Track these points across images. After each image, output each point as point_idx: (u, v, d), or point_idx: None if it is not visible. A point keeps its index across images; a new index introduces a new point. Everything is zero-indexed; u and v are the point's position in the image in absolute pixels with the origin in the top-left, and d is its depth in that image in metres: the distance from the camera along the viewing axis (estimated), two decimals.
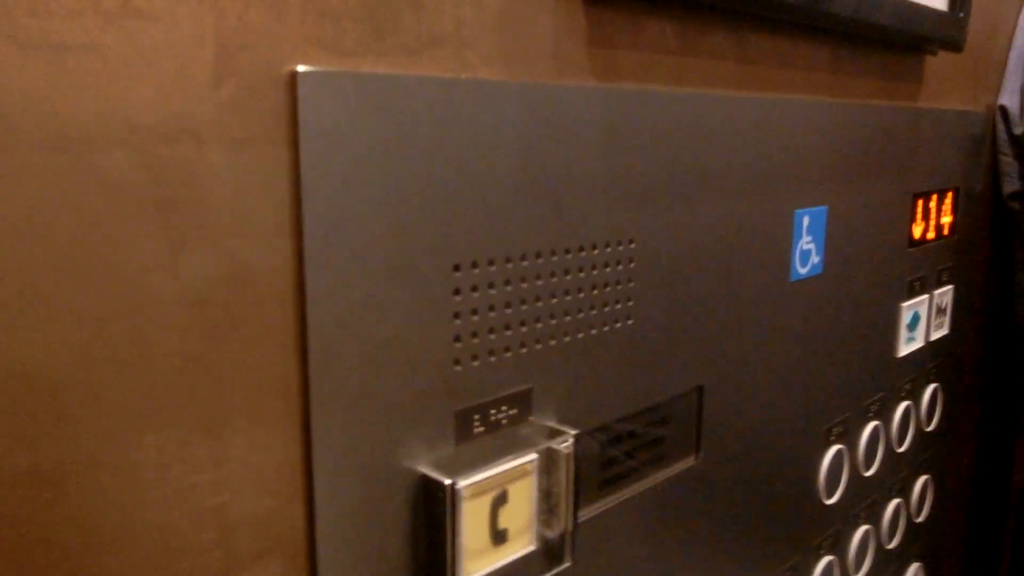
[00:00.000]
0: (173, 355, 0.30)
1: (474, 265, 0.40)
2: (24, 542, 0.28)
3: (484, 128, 0.39)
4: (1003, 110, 0.93)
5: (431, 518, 0.40)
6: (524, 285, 0.43)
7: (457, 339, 0.40)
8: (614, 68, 0.46)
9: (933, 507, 0.96)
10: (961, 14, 0.71)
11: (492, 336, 0.42)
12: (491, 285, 0.41)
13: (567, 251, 0.44)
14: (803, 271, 0.64)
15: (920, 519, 0.94)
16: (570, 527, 0.46)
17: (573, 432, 0.45)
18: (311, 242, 0.33)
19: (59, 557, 0.29)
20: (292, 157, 0.33)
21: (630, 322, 0.49)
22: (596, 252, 0.46)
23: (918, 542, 0.95)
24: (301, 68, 0.32)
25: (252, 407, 0.33)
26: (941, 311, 0.88)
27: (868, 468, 0.80)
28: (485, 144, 0.39)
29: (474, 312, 0.40)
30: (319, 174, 0.33)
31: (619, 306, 0.48)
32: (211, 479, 0.32)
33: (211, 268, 0.31)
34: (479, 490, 0.41)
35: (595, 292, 0.47)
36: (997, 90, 0.93)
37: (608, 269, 0.47)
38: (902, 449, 0.86)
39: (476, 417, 0.42)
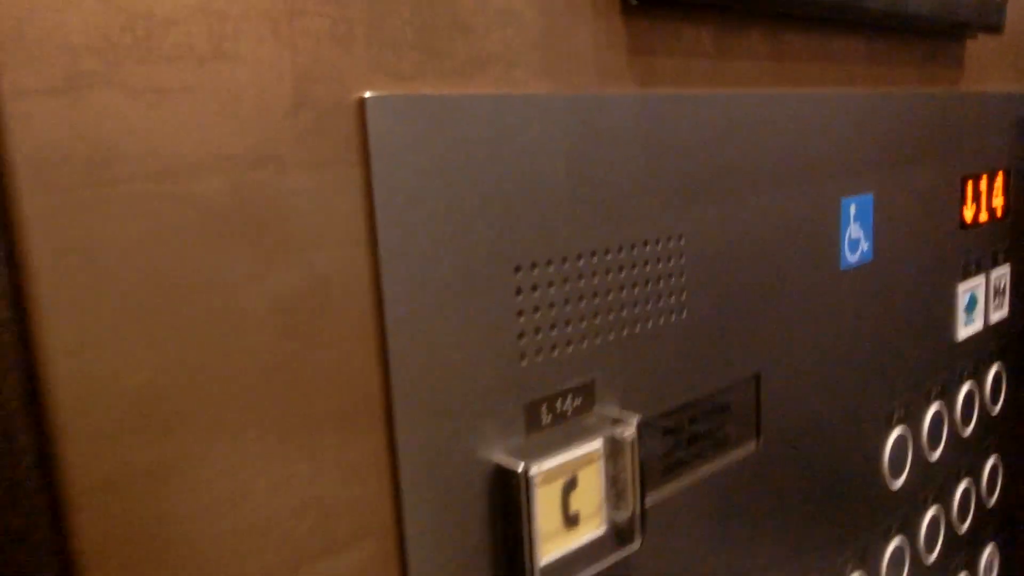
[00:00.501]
0: (267, 359, 0.34)
1: (533, 266, 0.43)
2: (144, 534, 0.32)
3: (535, 139, 0.42)
4: None
5: (507, 504, 0.43)
6: (581, 283, 0.45)
7: (521, 335, 0.43)
8: (654, 74, 0.48)
9: (1005, 491, 0.96)
10: None
11: (554, 332, 0.45)
12: (550, 284, 0.44)
13: (620, 249, 0.47)
14: (853, 259, 0.66)
15: (992, 503, 0.93)
16: (638, 510, 0.49)
17: (636, 419, 0.47)
18: (386, 252, 0.37)
19: (176, 544, 0.32)
20: (364, 175, 0.36)
21: (684, 314, 0.52)
22: (648, 248, 0.49)
23: (991, 526, 0.95)
24: (368, 94, 0.36)
25: (341, 404, 0.36)
26: (999, 292, 0.88)
27: (933, 452, 0.81)
28: (537, 153, 0.42)
29: (536, 310, 0.43)
30: (389, 189, 0.37)
31: (672, 299, 0.51)
32: (307, 471, 0.36)
33: (297, 279, 0.34)
34: (550, 476, 0.44)
35: (648, 287, 0.49)
36: None
37: (660, 265, 0.50)
38: (967, 432, 0.86)
39: (544, 408, 0.45)
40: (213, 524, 0.33)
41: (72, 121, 0.28)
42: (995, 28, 0.74)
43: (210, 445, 0.33)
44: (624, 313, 0.48)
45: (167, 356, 0.31)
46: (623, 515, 0.49)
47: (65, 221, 0.28)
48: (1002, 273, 0.88)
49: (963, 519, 0.88)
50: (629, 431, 0.47)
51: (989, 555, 0.95)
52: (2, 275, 0.28)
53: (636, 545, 0.49)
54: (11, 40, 0.27)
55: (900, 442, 0.75)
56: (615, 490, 0.48)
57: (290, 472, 0.35)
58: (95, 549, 0.30)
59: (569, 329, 0.45)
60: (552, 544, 0.45)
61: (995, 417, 0.91)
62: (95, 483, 0.30)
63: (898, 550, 0.77)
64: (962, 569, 0.90)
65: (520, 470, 0.42)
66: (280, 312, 0.34)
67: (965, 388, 0.85)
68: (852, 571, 0.72)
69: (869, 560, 0.74)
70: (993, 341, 0.89)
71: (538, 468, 0.43)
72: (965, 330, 0.83)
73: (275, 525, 0.35)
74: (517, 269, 0.42)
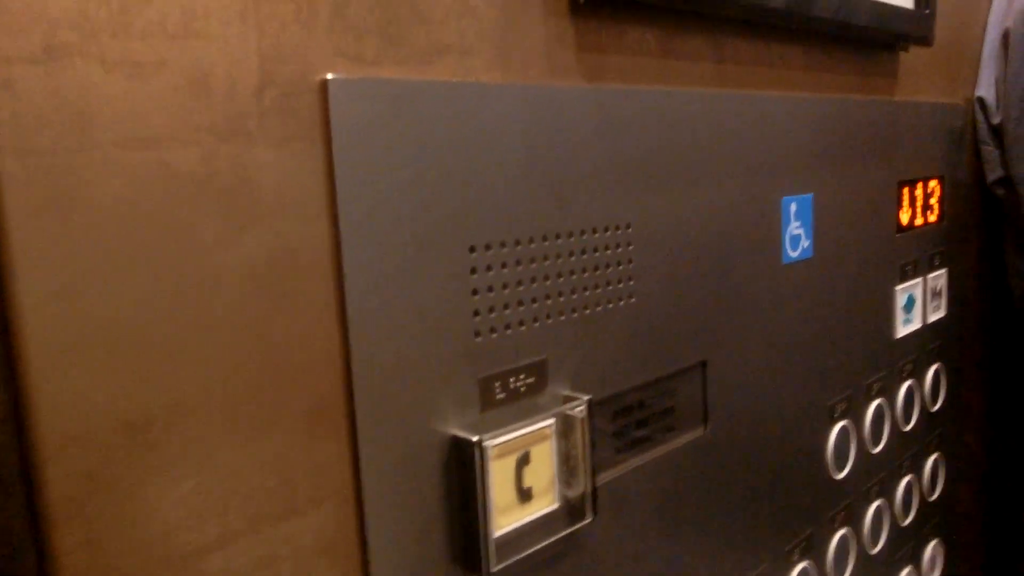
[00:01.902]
0: (235, 319, 0.36)
1: (487, 247, 0.45)
2: (109, 490, 0.33)
3: (488, 124, 0.45)
4: (981, 101, 0.98)
5: (463, 476, 0.45)
6: (533, 265, 0.48)
7: (476, 313, 0.45)
8: (601, 71, 0.51)
9: (947, 486, 0.99)
10: (927, 10, 0.76)
11: (507, 311, 0.47)
12: (503, 265, 0.46)
13: (570, 234, 0.50)
14: (794, 254, 0.69)
15: (934, 497, 0.97)
16: (589, 488, 0.51)
17: (586, 398, 0.50)
18: (346, 225, 0.39)
19: (139, 501, 0.34)
20: (326, 152, 0.38)
21: (633, 300, 0.54)
22: (596, 235, 0.51)
23: (934, 520, 0.98)
24: (330, 76, 0.38)
25: (303, 369, 0.38)
26: (936, 294, 0.93)
27: (875, 445, 0.84)
28: (491, 139, 0.45)
29: (490, 289, 0.46)
30: (350, 166, 0.39)
31: (621, 285, 0.53)
32: (270, 434, 0.37)
33: (264, 247, 0.36)
34: (504, 451, 0.46)
35: (598, 272, 0.52)
36: (973, 83, 0.98)
37: (608, 251, 0.52)
38: (908, 428, 0.89)
39: (497, 384, 0.47)
40: (178, 483, 0.35)
41: (50, 89, 0.30)
42: (924, 41, 0.78)
43: (178, 402, 0.34)
44: (575, 296, 0.50)
45: (140, 312, 0.33)
46: (575, 492, 0.51)
47: (42, 181, 0.30)
48: (939, 274, 0.93)
49: (906, 513, 0.91)
50: (580, 409, 0.50)
51: (933, 550, 0.98)
52: None
53: (588, 520, 0.51)
54: None
55: (843, 434, 0.78)
56: (567, 467, 0.50)
57: (254, 433, 0.37)
58: (64, 502, 0.32)
59: (522, 309, 0.47)
60: (506, 517, 0.47)
61: (935, 415, 0.95)
62: (67, 437, 0.31)
63: (843, 541, 0.80)
64: (907, 563, 0.93)
65: (475, 439, 0.44)
66: (248, 276, 0.36)
67: (906, 385, 0.88)
68: (799, 560, 0.74)
69: (815, 549, 0.76)
70: (932, 341, 0.93)
71: (492, 441, 0.45)
72: (904, 328, 0.87)
73: (238, 485, 0.37)
74: (472, 249, 0.45)
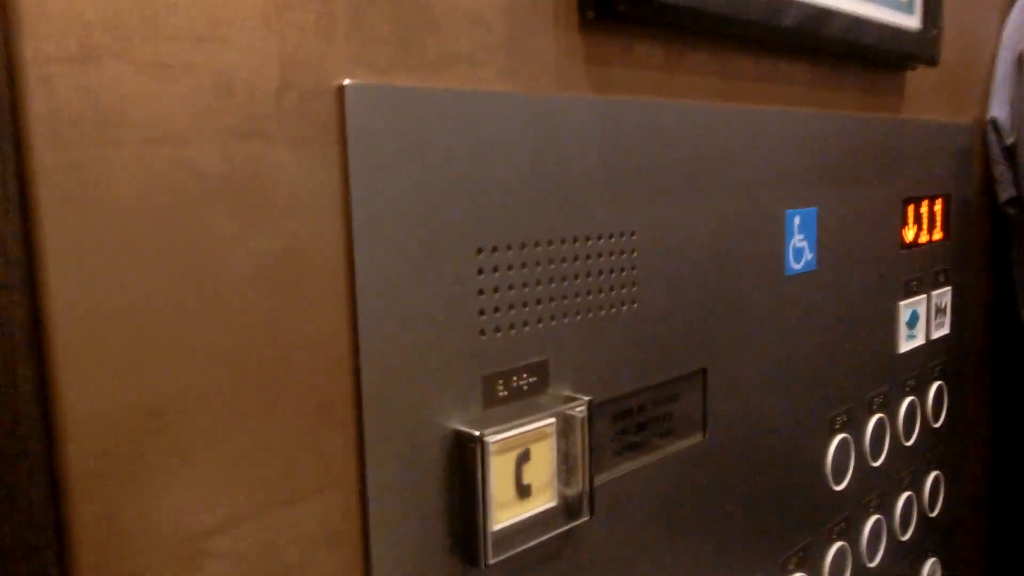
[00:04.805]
0: (247, 313, 0.37)
1: (494, 249, 0.47)
2: (125, 469, 0.35)
3: (498, 132, 0.47)
4: (993, 122, 0.99)
5: (464, 469, 0.47)
6: (538, 268, 0.49)
7: (481, 312, 0.47)
8: (609, 83, 0.53)
9: (947, 503, 1.00)
10: (934, 31, 0.78)
11: (512, 311, 0.48)
12: (509, 267, 0.48)
13: (575, 239, 0.51)
14: (797, 267, 0.70)
15: (934, 514, 0.98)
16: (587, 487, 0.52)
17: (587, 399, 0.51)
18: (359, 225, 0.41)
19: (151, 482, 0.36)
20: (341, 154, 0.40)
21: (635, 306, 0.56)
22: (601, 241, 0.53)
23: (933, 537, 0.99)
24: (347, 82, 0.40)
25: (312, 363, 0.40)
26: (940, 311, 0.93)
27: (875, 459, 0.85)
28: (500, 145, 0.47)
29: (495, 290, 0.47)
30: (364, 169, 0.41)
31: (624, 290, 0.55)
32: (278, 423, 0.39)
33: (277, 244, 0.38)
34: (505, 447, 0.48)
35: (601, 277, 0.53)
36: (982, 103, 0.99)
37: (613, 257, 0.54)
38: (910, 443, 0.90)
39: (500, 383, 0.48)
40: (189, 465, 0.37)
41: (85, 87, 0.32)
42: (930, 61, 0.80)
43: (191, 388, 0.36)
44: (578, 300, 0.52)
45: (158, 302, 0.35)
46: (573, 490, 0.52)
47: (73, 174, 0.32)
48: (943, 292, 0.94)
49: (905, 528, 0.92)
50: (580, 409, 0.51)
51: (931, 568, 0.99)
52: (13, 220, 0.32)
53: (584, 519, 0.52)
54: (33, 13, 0.31)
55: (843, 446, 0.79)
56: (566, 466, 0.52)
57: (263, 422, 0.39)
58: (83, 477, 0.33)
59: (526, 310, 0.49)
60: (505, 512, 0.48)
61: (937, 432, 0.96)
62: (88, 416, 0.33)
63: (840, 553, 0.81)
64: None
65: (477, 434, 0.46)
66: (263, 271, 0.38)
67: (907, 400, 0.89)
68: (795, 571, 0.75)
69: (811, 561, 0.77)
70: (935, 357, 0.94)
71: (494, 437, 0.46)
72: (907, 344, 0.88)
73: (246, 470, 0.38)
74: (479, 251, 0.46)
